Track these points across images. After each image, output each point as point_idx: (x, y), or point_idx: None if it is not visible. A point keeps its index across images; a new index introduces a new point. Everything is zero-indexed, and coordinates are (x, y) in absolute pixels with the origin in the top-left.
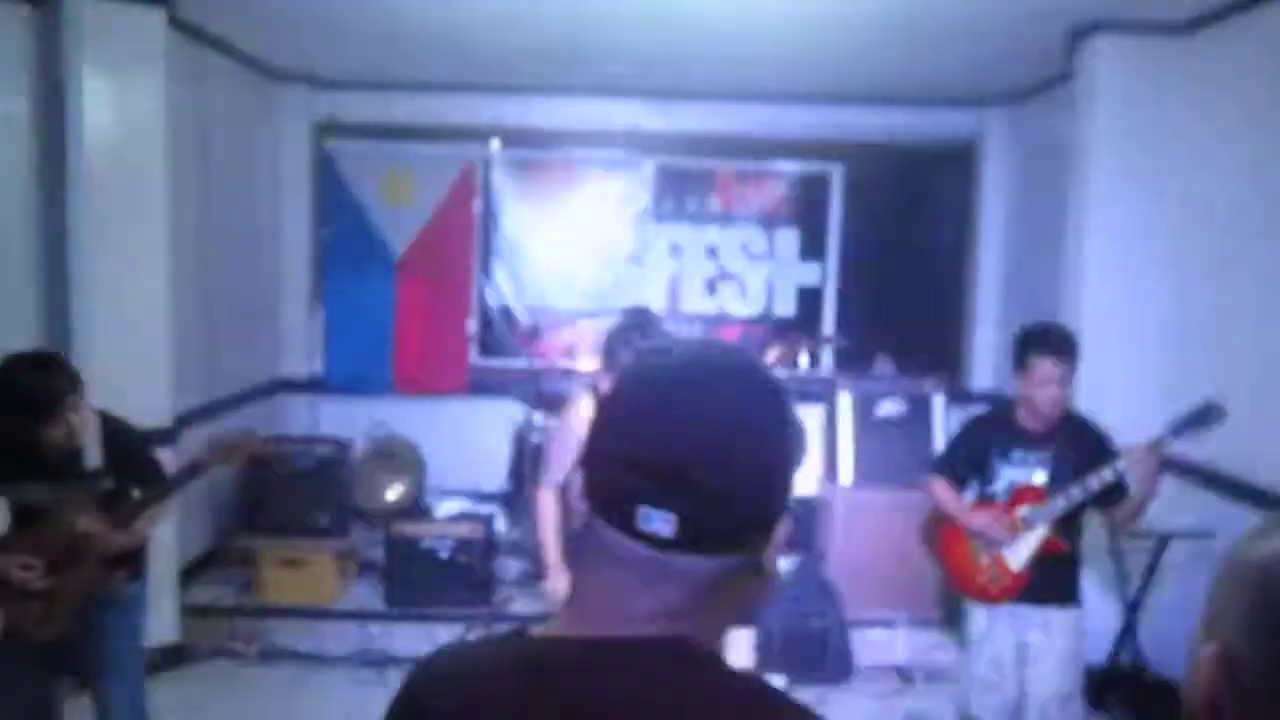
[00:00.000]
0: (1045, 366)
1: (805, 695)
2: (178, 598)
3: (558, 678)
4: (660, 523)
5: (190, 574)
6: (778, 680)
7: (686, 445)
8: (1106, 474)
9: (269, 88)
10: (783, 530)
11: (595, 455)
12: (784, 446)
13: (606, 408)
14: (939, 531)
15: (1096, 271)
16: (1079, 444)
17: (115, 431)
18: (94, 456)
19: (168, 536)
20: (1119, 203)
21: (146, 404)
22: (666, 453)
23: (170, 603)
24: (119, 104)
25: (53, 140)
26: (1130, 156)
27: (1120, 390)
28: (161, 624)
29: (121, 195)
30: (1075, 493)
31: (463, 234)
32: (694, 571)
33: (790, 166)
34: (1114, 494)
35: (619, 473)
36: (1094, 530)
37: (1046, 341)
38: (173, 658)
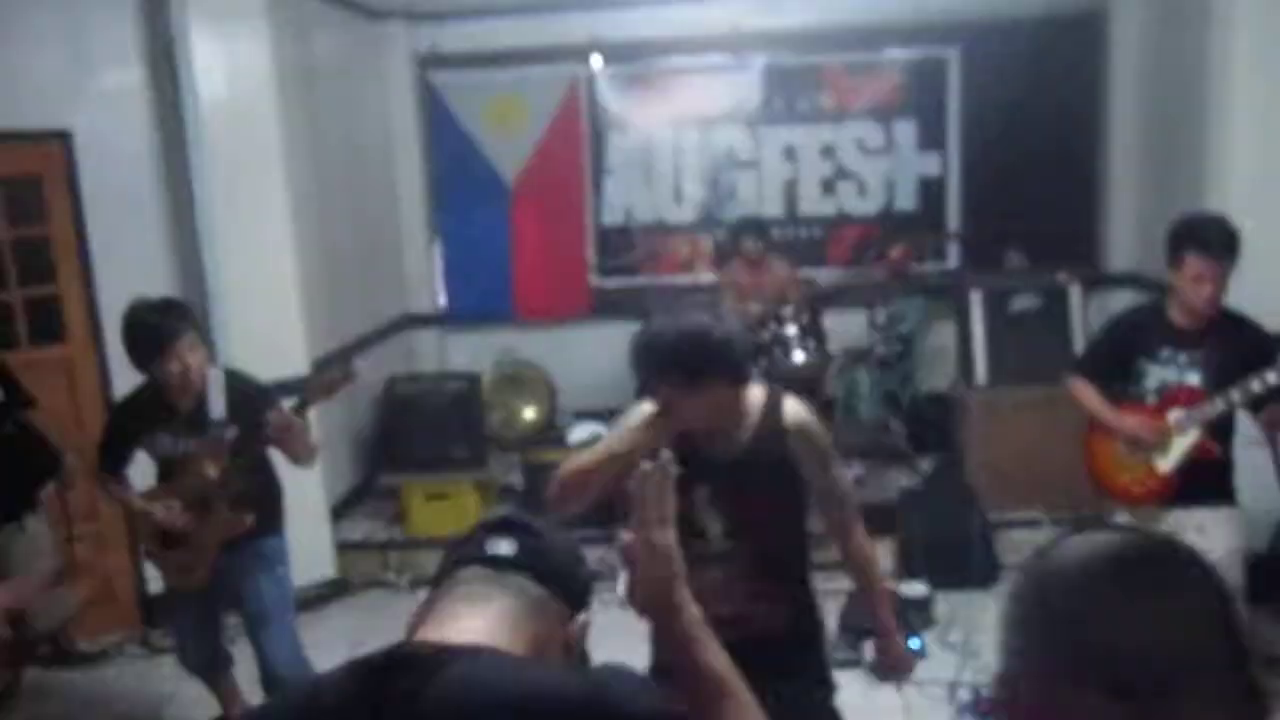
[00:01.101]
0: (1201, 263)
1: (950, 600)
2: (332, 535)
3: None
4: None
5: (340, 512)
6: (920, 586)
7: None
8: (1270, 377)
9: (369, 26)
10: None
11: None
12: None
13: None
14: (1083, 431)
15: (1243, 145)
16: (1237, 344)
17: (238, 385)
18: (218, 408)
19: (315, 478)
20: (1267, 68)
21: (283, 353)
22: None
23: (325, 540)
24: (228, 61)
25: (170, 104)
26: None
27: (1271, 276)
28: (320, 561)
29: (239, 151)
30: (1234, 397)
31: (572, 155)
32: None
33: (903, 54)
34: (1274, 398)
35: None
36: (1244, 422)
37: (1203, 237)
38: (332, 591)
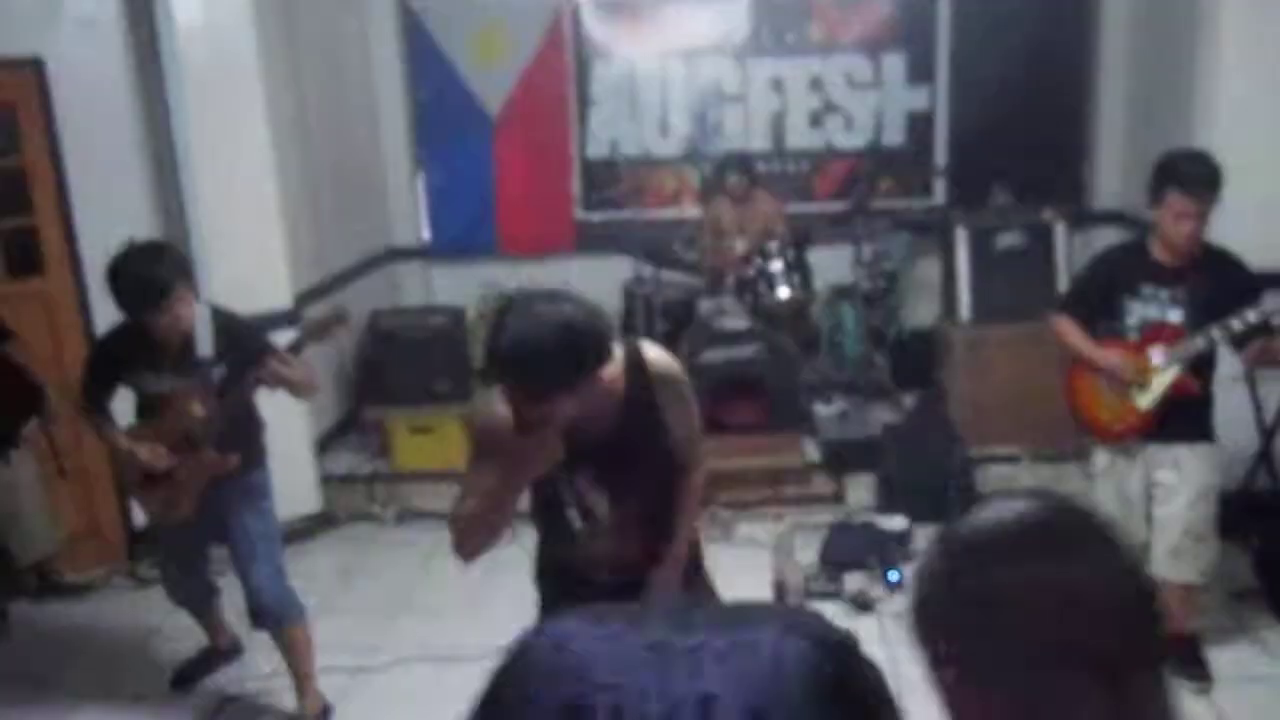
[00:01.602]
0: (1182, 200)
1: (930, 534)
2: (316, 469)
3: None
4: None
5: (324, 446)
6: (900, 520)
7: None
8: (1250, 315)
9: None
10: None
11: None
12: None
13: None
14: (1065, 368)
15: (1234, 80)
16: (1219, 281)
17: (226, 322)
18: (205, 346)
19: (299, 411)
20: (1257, 7)
21: (266, 287)
22: None
23: (310, 473)
24: None
25: (145, 32)
26: None
27: (1258, 214)
28: (305, 494)
29: (217, 79)
30: (1214, 334)
31: (557, 87)
32: None
33: None
34: (1255, 335)
35: None
36: (1225, 359)
37: (1186, 174)
38: (316, 525)
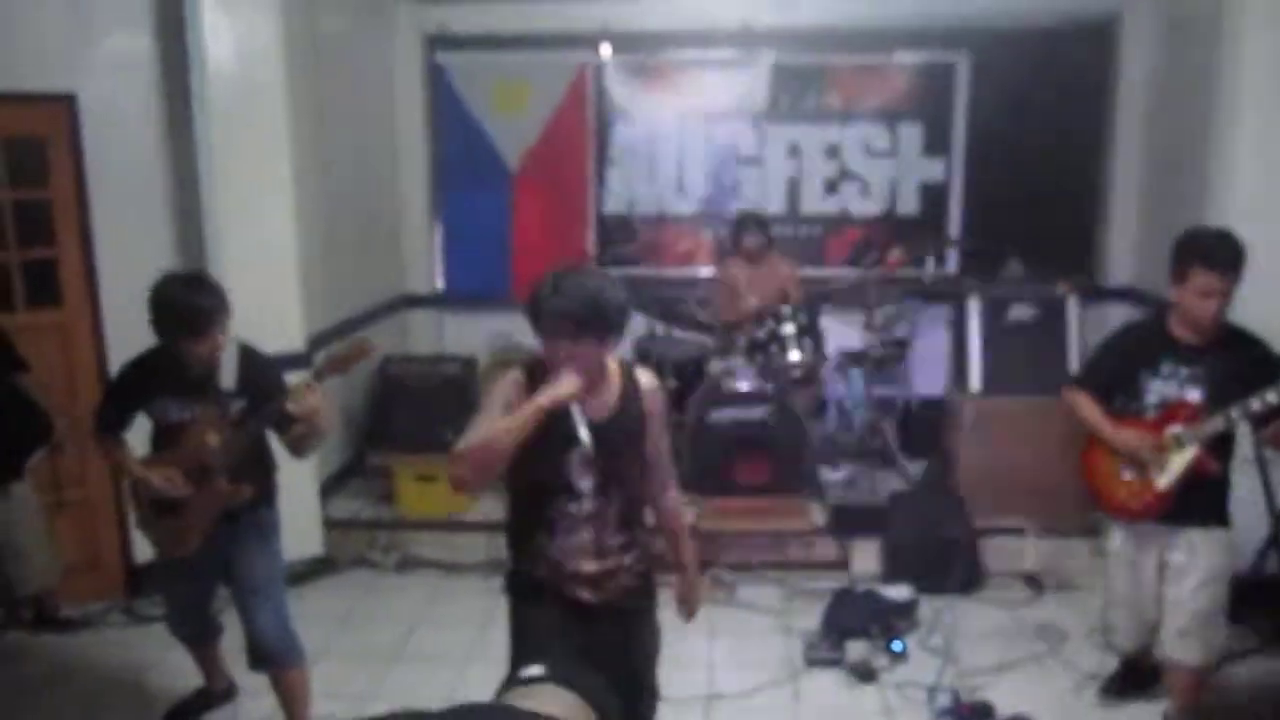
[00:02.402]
0: (1208, 279)
1: (934, 604)
2: (320, 512)
3: None
4: None
5: (328, 489)
6: (904, 590)
7: None
8: (1270, 395)
9: (378, 3)
10: None
11: None
12: None
13: None
14: (1082, 444)
15: (1250, 162)
16: (1239, 360)
17: (249, 356)
18: (229, 378)
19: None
20: (1275, 85)
21: (279, 328)
22: None
23: (313, 517)
24: (237, 31)
25: (177, 74)
26: None
27: (1270, 300)
28: (306, 537)
29: (244, 122)
30: (1234, 414)
31: (577, 142)
32: None
33: (912, 57)
34: (1276, 415)
35: None
36: (1242, 439)
37: (1211, 252)
38: (317, 569)
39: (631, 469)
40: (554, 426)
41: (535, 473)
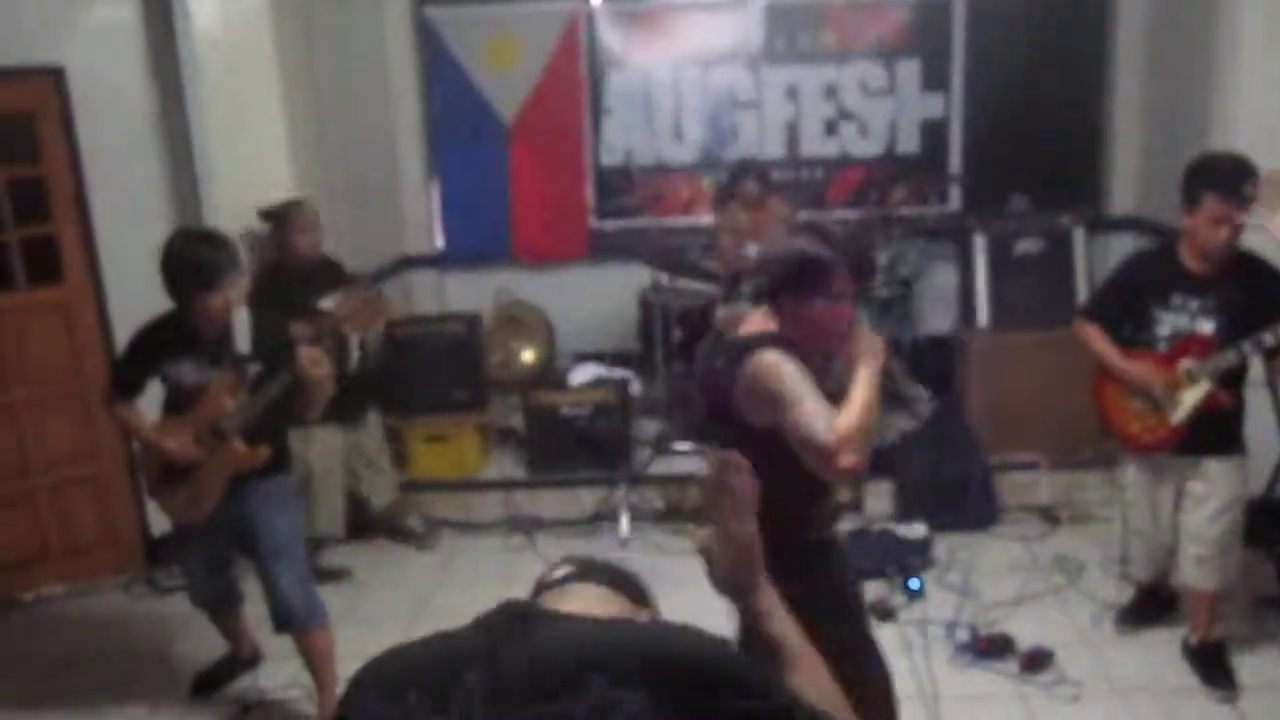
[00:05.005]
0: (1220, 206)
1: (949, 541)
2: None
3: None
4: None
5: None
6: (919, 528)
7: None
8: None
9: None
10: None
11: None
12: None
13: None
14: (1093, 377)
15: (1249, 88)
16: (1251, 290)
17: (263, 321)
18: (243, 342)
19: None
20: (1276, 12)
21: None
22: None
23: None
24: None
25: (164, 41)
26: None
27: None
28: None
29: (236, 87)
30: (1246, 348)
31: (571, 94)
32: None
33: None
34: None
35: None
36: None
37: (1224, 179)
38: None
39: None
40: (828, 391)
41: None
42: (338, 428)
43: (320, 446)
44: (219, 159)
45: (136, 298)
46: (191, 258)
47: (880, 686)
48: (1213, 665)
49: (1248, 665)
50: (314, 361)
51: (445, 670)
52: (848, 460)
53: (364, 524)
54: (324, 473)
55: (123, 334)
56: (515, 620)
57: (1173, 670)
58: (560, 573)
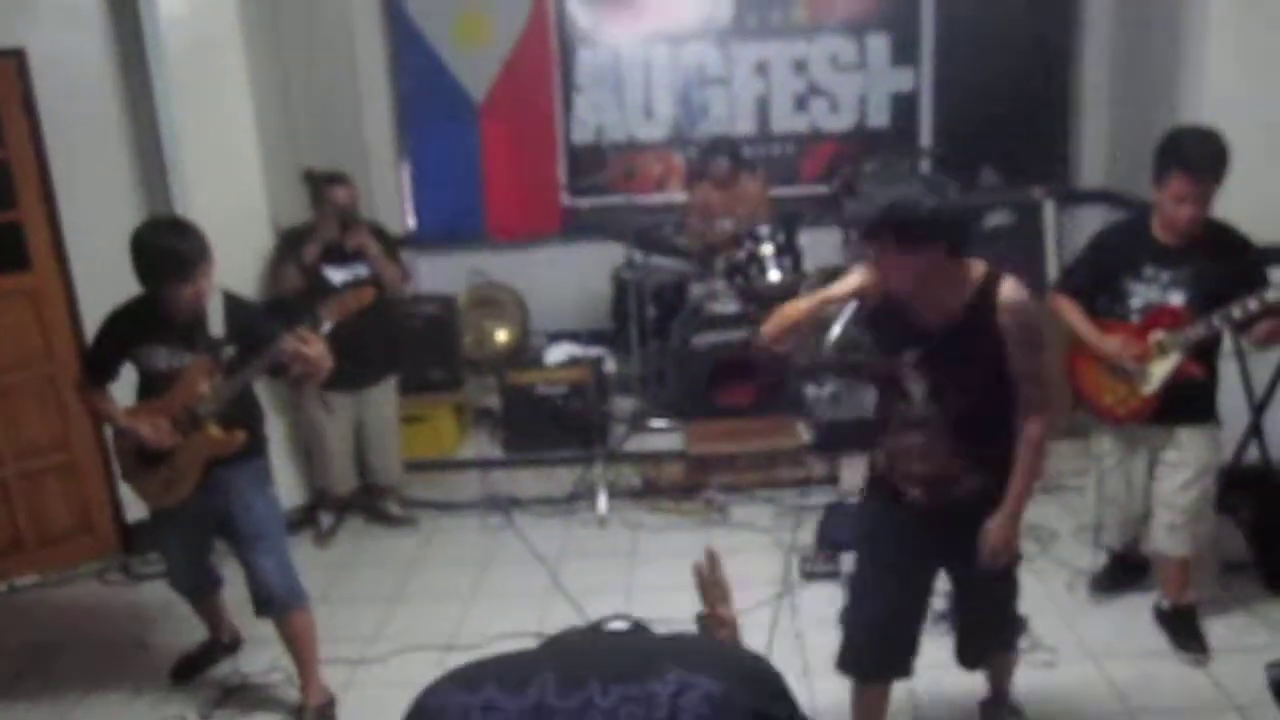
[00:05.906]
0: (1183, 184)
1: None
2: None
3: None
4: None
5: None
6: None
7: None
8: (1251, 304)
9: None
10: None
11: None
12: None
13: None
14: (1066, 349)
15: (1217, 60)
16: (1222, 262)
17: (235, 304)
18: (216, 326)
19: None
20: None
21: (252, 276)
22: None
23: (304, 463)
24: None
25: (128, 22)
26: None
27: (1247, 193)
28: (299, 484)
29: (202, 69)
30: (1215, 321)
31: (542, 71)
32: None
33: None
34: (1260, 318)
35: None
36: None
37: (1187, 156)
38: (307, 516)
39: (972, 380)
40: (893, 331)
41: (881, 373)
42: (386, 384)
43: (374, 406)
44: (186, 142)
45: (106, 283)
46: (161, 248)
47: (866, 613)
48: (1184, 629)
49: (1218, 629)
50: (304, 340)
51: (522, 667)
52: (766, 329)
53: (342, 505)
54: (381, 428)
55: (92, 320)
56: (587, 630)
57: (1145, 634)
58: (617, 624)
